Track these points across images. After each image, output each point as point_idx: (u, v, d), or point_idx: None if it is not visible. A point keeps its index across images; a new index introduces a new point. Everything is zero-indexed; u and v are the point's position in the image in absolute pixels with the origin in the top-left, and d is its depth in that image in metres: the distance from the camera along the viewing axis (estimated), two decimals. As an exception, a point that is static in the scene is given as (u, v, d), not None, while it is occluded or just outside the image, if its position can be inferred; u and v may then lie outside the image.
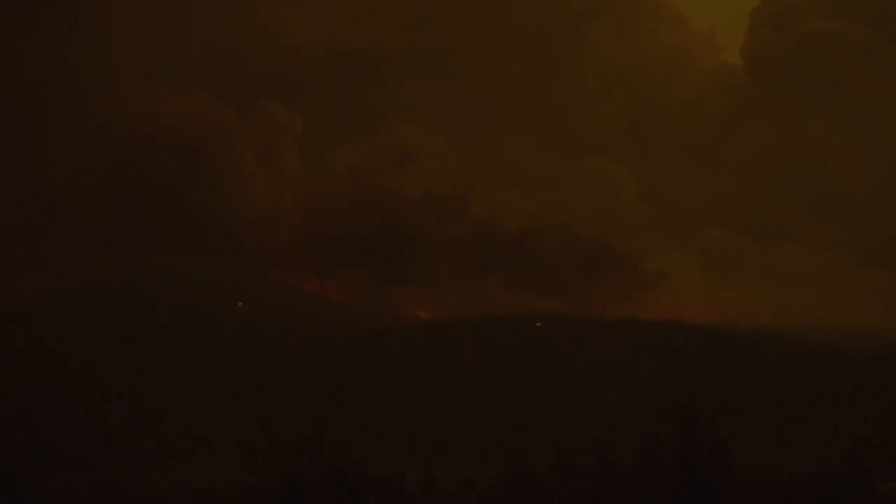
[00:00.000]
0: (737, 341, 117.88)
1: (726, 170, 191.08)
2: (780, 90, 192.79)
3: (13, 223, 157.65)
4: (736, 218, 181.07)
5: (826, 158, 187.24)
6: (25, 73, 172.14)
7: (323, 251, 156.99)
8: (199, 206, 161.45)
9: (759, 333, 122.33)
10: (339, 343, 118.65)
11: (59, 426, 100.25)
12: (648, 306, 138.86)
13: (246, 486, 63.25)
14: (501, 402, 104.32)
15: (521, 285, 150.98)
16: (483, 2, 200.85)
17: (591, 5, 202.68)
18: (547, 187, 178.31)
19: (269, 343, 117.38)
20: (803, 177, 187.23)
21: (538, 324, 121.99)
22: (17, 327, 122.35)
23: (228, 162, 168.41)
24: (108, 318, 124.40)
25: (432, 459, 76.31)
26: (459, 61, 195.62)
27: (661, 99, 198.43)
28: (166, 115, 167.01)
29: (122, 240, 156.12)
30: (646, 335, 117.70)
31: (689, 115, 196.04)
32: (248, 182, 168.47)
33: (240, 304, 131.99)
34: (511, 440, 68.29)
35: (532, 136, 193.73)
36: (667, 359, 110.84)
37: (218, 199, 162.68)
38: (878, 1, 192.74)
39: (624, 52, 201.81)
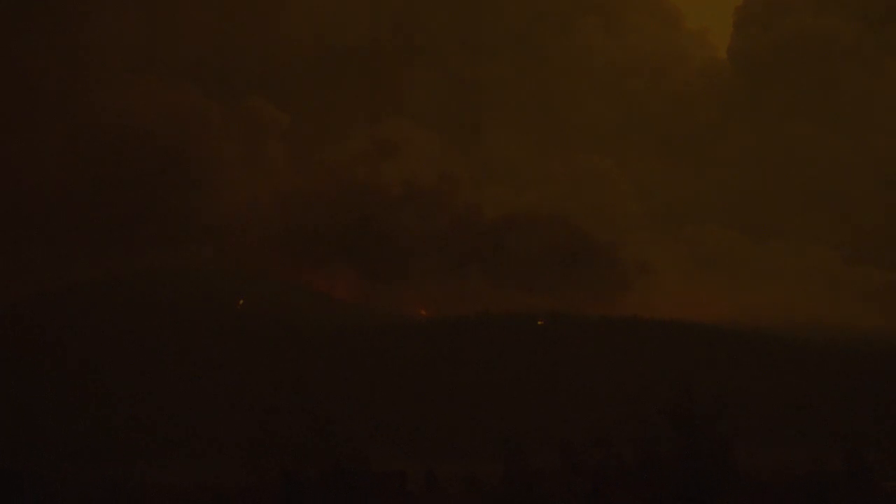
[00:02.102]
0: (737, 340, 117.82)
1: (718, 167, 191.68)
2: (767, 87, 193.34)
3: (5, 223, 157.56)
4: (727, 215, 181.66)
5: (818, 156, 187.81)
6: (10, 71, 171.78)
7: (321, 248, 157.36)
8: (192, 204, 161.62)
9: (759, 332, 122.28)
10: (340, 341, 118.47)
11: (59, 424, 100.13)
12: (642, 304, 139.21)
13: (246, 485, 63.30)
14: (503, 401, 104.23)
15: (511, 282, 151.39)
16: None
17: (582, 1, 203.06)
18: (538, 183, 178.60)
19: (269, 341, 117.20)
20: (796, 174, 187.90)
21: (539, 322, 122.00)
22: (17, 326, 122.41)
23: (219, 159, 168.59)
24: (107, 317, 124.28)
25: (434, 457, 76.46)
26: (449, 57, 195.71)
27: (652, 96, 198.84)
28: (157, 112, 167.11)
29: (119, 238, 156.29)
30: (647, 334, 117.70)
31: (680, 112, 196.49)
32: (239, 179, 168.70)
33: (240, 301, 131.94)
34: (513, 438, 68.40)
35: (524, 132, 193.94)
36: (668, 358, 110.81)
37: (210, 196, 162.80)
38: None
39: (614, 48, 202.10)
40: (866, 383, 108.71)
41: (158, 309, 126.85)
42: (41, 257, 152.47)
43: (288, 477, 60.26)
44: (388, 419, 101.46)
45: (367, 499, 58.98)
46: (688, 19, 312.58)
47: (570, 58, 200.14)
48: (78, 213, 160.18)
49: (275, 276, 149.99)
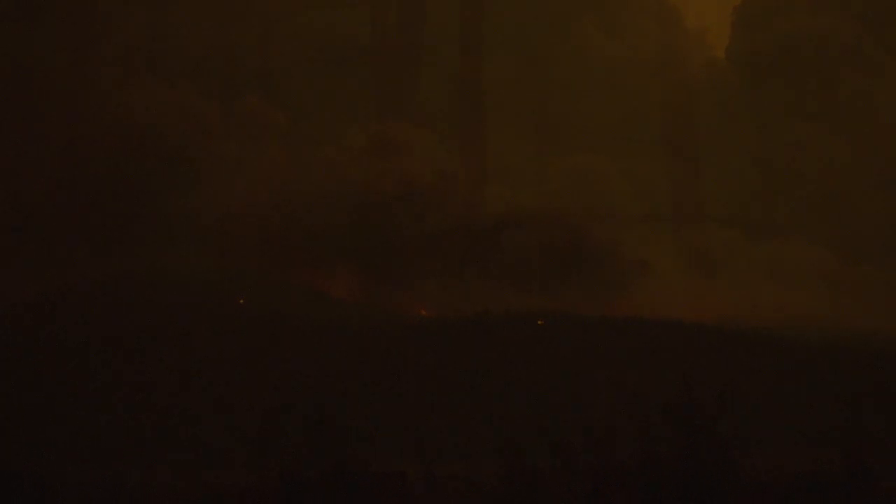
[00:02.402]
0: (737, 340, 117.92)
1: (717, 167, 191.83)
2: (766, 87, 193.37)
3: (4, 223, 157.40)
4: (727, 215, 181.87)
5: (817, 156, 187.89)
6: (8, 70, 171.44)
7: (321, 248, 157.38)
8: (191, 204, 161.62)
9: (759, 332, 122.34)
10: (340, 341, 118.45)
11: (59, 424, 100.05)
12: (642, 304, 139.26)
13: (246, 485, 63.35)
14: (503, 401, 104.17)
15: (511, 282, 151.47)
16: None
17: (581, 0, 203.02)
18: (538, 183, 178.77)
19: (269, 341, 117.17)
20: (796, 174, 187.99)
21: (539, 322, 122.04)
22: (17, 326, 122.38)
23: (218, 158, 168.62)
24: (107, 317, 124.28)
25: (434, 457, 76.44)
26: (449, 57, 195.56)
27: (652, 96, 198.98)
28: (156, 111, 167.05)
29: (119, 238, 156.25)
30: (647, 334, 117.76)
31: (680, 112, 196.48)
32: (238, 178, 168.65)
33: (241, 301, 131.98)
34: (513, 438, 68.42)
35: (524, 131, 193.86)
36: (668, 358, 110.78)
37: (209, 195, 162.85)
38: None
39: (613, 47, 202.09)
40: (866, 383, 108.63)
41: (158, 309, 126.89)
42: (41, 257, 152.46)
43: (288, 477, 60.26)
44: (388, 419, 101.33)
45: (367, 499, 58.98)
46: (688, 19, 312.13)
47: (568, 57, 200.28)
48: (77, 212, 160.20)
49: (275, 276, 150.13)
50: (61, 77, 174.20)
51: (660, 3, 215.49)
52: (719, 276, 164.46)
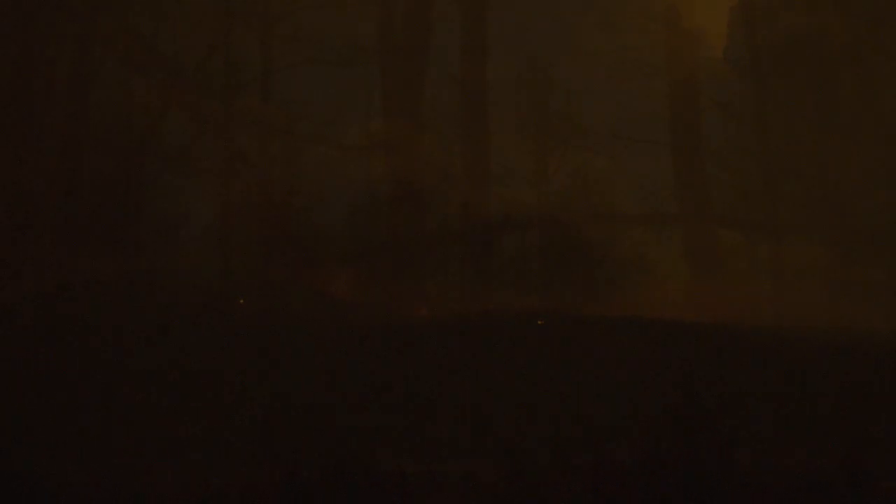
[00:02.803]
0: (737, 340, 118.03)
1: (717, 166, 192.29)
2: (766, 87, 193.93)
3: (4, 222, 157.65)
4: (727, 214, 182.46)
5: (817, 156, 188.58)
6: (7, 69, 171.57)
7: (321, 248, 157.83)
8: (191, 203, 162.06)
9: (759, 332, 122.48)
10: (340, 341, 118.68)
11: (59, 424, 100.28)
12: (641, 303, 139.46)
13: (246, 485, 63.91)
14: (503, 400, 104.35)
15: (510, 282, 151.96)
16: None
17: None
18: (537, 182, 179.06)
19: (269, 341, 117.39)
20: (796, 174, 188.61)
21: (539, 322, 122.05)
22: (17, 325, 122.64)
23: (217, 158, 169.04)
24: (107, 316, 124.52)
25: (434, 458, 76.95)
26: (448, 56, 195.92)
27: (651, 95, 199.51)
28: (155, 111, 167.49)
29: (118, 238, 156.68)
30: (647, 334, 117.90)
31: (679, 112, 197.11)
32: (237, 177, 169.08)
33: (241, 300, 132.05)
34: (513, 438, 68.84)
35: (523, 131, 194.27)
36: (668, 358, 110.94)
37: (208, 195, 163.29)
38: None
39: (612, 46, 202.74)
40: (866, 383, 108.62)
41: (158, 309, 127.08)
42: (39, 256, 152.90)
43: (288, 477, 60.66)
44: (388, 419, 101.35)
45: (367, 499, 59.43)
46: (687, 18, 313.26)
47: (564, 55, 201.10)
48: (76, 211, 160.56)
49: (275, 276, 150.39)
50: (61, 74, 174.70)
51: (660, 3, 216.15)
52: (719, 276, 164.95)
